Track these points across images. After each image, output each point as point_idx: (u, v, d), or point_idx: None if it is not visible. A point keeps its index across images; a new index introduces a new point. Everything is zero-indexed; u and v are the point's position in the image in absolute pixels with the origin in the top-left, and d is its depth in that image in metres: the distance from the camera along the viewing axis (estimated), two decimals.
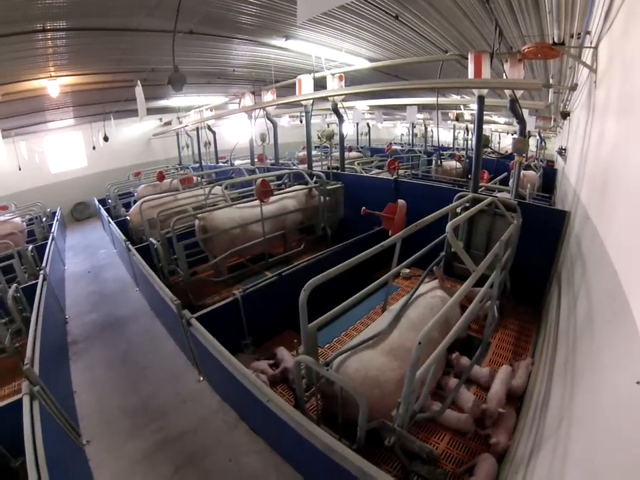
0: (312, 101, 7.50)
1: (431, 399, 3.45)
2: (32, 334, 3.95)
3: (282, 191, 7.01)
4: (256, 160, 10.48)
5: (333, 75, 6.99)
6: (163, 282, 4.80)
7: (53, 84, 7.95)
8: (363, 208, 4.56)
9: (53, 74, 7.80)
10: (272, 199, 6.00)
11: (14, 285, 5.04)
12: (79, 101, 10.93)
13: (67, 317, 6.17)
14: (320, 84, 7.24)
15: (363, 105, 11.83)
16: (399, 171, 8.67)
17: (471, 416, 3.31)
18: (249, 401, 2.95)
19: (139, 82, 7.26)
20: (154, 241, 5.80)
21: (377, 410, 2.72)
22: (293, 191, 7.02)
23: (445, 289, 4.11)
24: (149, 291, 5.35)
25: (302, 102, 7.54)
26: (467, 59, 5.06)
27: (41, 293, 5.04)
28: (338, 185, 7.32)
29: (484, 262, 3.16)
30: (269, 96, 8.57)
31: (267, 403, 2.69)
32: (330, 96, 7.01)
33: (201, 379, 4.25)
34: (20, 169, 12.66)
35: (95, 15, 5.59)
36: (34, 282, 5.63)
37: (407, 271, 6.07)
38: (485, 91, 5.18)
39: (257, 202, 5.89)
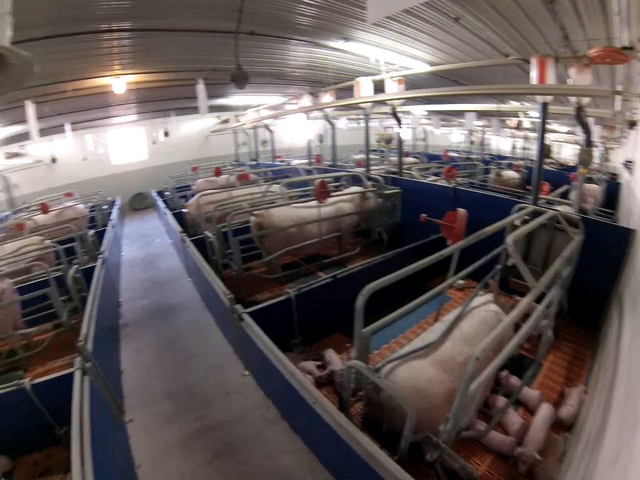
0: (371, 104, 7.47)
1: (476, 417, 3.32)
2: (88, 313, 4.19)
3: (339, 193, 6.98)
4: (312, 160, 10.54)
5: (392, 78, 6.91)
6: (217, 275, 4.91)
7: (118, 81, 8.41)
8: (423, 215, 4.49)
9: (118, 72, 8.25)
10: (329, 200, 5.99)
11: (74, 266, 5.35)
12: (142, 97, 11.53)
13: (120, 300, 6.49)
14: (378, 87, 7.21)
15: (420, 109, 11.66)
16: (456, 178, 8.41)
17: (515, 439, 3.16)
18: (293, 400, 2.96)
19: (200, 80, 7.51)
20: (209, 234, 5.95)
21: (422, 422, 2.65)
22: (350, 193, 6.98)
23: (500, 303, 3.94)
24: (201, 282, 5.51)
25: (360, 105, 7.50)
26: (530, 63, 4.84)
27: (98, 276, 5.37)
28: (396, 190, 7.19)
29: (544, 278, 3.00)
30: (327, 97, 8.61)
31: (314, 404, 2.69)
32: (389, 100, 6.92)
33: (247, 373, 4.31)
34: (85, 159, 13.80)
35: (157, 16, 5.84)
36: (93, 265, 5.97)
37: (462, 282, 5.88)
38: (549, 98, 4.91)
39: (314, 202, 5.89)
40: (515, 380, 3.76)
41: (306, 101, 9.37)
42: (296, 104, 10.01)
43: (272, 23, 6.39)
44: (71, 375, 3.10)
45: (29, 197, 12.71)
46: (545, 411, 3.37)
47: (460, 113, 12.08)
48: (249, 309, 3.96)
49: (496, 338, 2.35)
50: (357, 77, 7.28)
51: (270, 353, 3.25)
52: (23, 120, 7.90)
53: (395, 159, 10.08)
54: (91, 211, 10.29)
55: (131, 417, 3.85)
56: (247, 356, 4.24)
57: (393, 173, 7.84)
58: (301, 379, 2.91)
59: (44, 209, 8.54)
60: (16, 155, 12.88)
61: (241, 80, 4.69)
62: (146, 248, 9.62)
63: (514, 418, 3.37)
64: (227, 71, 8.51)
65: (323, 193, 5.57)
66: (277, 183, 7.49)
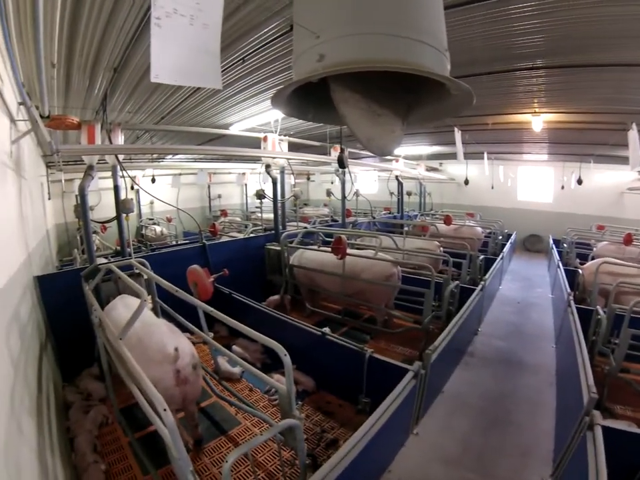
0: None
1: None
2: (448, 329, 4.46)
3: None
4: None
5: None
6: (589, 359, 3.90)
7: (537, 119, 8.17)
8: None
9: (537, 110, 8.00)
10: None
11: (456, 282, 5.67)
12: (556, 138, 10.81)
13: (479, 329, 6.41)
14: None
15: None
16: None
17: None
18: None
19: (634, 125, 6.12)
20: (600, 311, 4.88)
21: None
22: None
23: None
24: (567, 358, 4.46)
25: None
26: None
27: (473, 300, 5.48)
28: None
29: None
30: None
31: None
32: None
33: None
34: (492, 188, 14.77)
35: (575, 52, 5.13)
36: (472, 286, 6.21)
37: None
38: None
39: None
40: None
41: None
42: None
43: None
44: (404, 371, 3.51)
45: (437, 206, 15.32)
46: None
47: None
48: (607, 422, 2.74)
49: None
50: None
51: None
52: (445, 142, 8.91)
53: None
54: (486, 237, 10.52)
55: (419, 432, 3.82)
56: (565, 465, 3.10)
57: None
58: None
59: (447, 221, 9.50)
60: (434, 169, 15.73)
61: None
62: (524, 292, 8.99)
63: None
64: None
65: None
66: None
